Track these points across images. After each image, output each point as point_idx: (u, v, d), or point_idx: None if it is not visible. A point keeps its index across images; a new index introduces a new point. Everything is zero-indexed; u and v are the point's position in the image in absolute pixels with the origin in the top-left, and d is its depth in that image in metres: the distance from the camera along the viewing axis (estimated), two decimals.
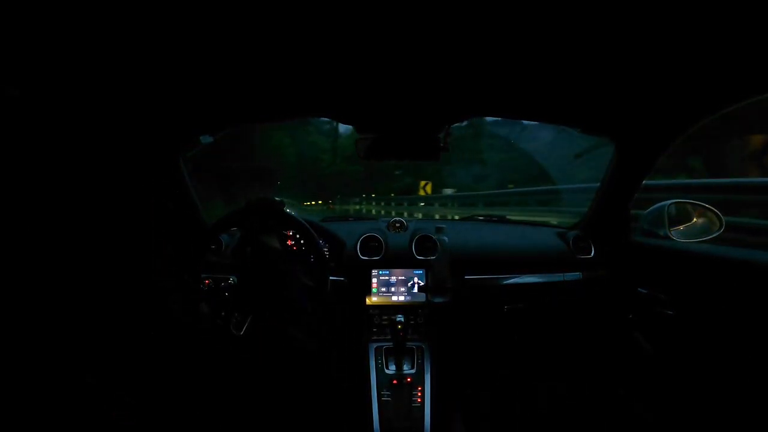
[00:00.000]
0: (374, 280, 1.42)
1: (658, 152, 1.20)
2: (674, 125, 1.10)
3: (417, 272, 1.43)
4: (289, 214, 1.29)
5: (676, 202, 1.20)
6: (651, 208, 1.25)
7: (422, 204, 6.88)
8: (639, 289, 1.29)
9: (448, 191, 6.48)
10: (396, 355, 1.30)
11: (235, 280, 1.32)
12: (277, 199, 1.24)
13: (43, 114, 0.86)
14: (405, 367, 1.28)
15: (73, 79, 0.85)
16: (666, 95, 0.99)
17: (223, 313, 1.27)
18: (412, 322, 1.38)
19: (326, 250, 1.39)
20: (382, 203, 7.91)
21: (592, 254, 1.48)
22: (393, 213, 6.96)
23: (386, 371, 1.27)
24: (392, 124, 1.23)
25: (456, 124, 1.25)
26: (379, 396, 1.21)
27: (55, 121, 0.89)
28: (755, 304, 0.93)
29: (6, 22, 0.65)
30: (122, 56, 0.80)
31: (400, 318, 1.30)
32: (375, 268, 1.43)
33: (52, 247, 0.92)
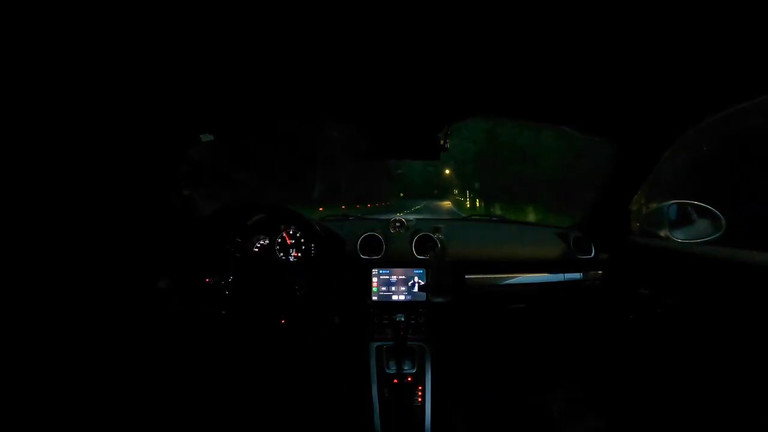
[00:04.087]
0: (375, 279, 1.42)
1: (659, 152, 1.20)
2: (675, 125, 1.10)
3: (417, 271, 1.43)
4: (290, 210, 1.29)
5: (676, 203, 1.20)
6: (652, 208, 1.25)
7: None
8: (639, 289, 1.29)
9: None
10: (397, 355, 1.30)
11: (233, 277, 1.32)
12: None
13: (48, 111, 0.86)
14: (405, 367, 1.28)
15: (78, 80, 0.85)
16: (667, 95, 0.99)
17: (223, 311, 1.27)
18: (412, 321, 1.38)
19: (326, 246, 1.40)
20: None
21: (593, 254, 1.48)
22: None
23: (387, 371, 1.27)
24: (392, 124, 1.23)
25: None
26: (380, 395, 1.21)
27: (60, 120, 0.89)
28: (755, 304, 0.93)
29: (10, 23, 0.65)
30: (126, 56, 0.80)
31: (400, 317, 1.30)
32: (375, 267, 1.43)
33: (53, 244, 0.92)
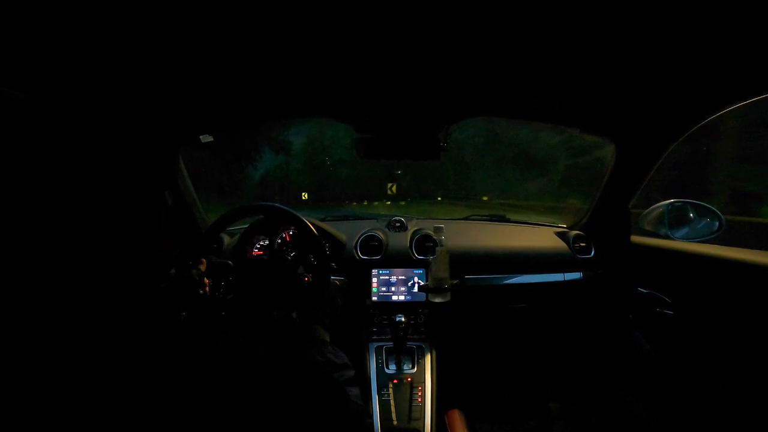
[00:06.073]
0: (374, 280, 1.42)
1: (658, 152, 1.20)
2: (675, 125, 1.10)
3: (417, 272, 1.43)
4: (289, 211, 1.28)
5: (676, 202, 1.20)
6: (651, 207, 1.25)
7: None
8: (639, 289, 1.29)
9: None
10: (396, 355, 1.30)
11: (233, 278, 1.32)
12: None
13: (47, 109, 0.86)
14: (405, 367, 1.28)
15: (78, 78, 0.85)
16: (667, 95, 0.99)
17: (223, 313, 1.27)
18: (412, 321, 1.38)
19: (326, 247, 1.39)
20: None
21: (593, 254, 1.48)
22: None
23: (386, 371, 1.27)
24: (392, 124, 1.22)
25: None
26: (380, 395, 1.21)
27: (58, 118, 0.89)
28: (755, 304, 0.93)
29: (10, 23, 0.65)
30: (124, 55, 0.80)
31: (400, 317, 1.30)
32: (375, 267, 1.43)
33: (50, 244, 0.92)
